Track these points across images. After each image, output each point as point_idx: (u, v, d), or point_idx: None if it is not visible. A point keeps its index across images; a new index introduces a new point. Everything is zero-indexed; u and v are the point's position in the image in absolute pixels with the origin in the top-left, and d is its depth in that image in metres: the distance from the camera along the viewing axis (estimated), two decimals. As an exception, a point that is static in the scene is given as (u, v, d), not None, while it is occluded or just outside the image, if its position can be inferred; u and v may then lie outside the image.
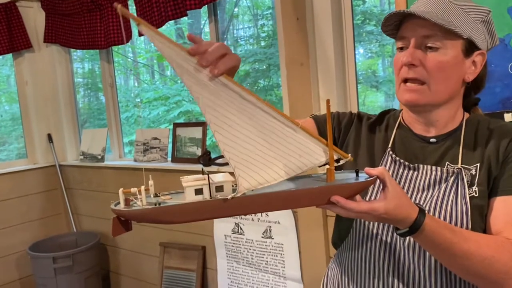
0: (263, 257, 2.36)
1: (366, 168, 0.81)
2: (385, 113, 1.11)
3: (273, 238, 2.31)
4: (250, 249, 2.41)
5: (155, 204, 0.76)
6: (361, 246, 0.99)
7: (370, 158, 1.04)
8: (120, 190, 0.78)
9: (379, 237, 0.96)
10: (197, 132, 2.77)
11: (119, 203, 0.79)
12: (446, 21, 0.89)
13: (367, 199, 0.97)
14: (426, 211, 0.83)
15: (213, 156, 2.60)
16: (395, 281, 0.94)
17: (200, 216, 0.77)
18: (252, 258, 2.40)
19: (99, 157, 3.24)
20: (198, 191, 0.76)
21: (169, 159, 2.86)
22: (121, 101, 3.42)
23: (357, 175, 0.83)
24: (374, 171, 0.80)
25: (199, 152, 2.70)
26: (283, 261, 2.29)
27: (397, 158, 1.00)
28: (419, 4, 0.95)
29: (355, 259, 1.00)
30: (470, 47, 0.93)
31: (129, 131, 4.86)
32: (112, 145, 3.34)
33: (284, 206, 0.79)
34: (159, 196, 0.81)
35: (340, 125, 1.11)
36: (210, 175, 0.78)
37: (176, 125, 2.92)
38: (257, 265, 2.39)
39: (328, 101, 0.80)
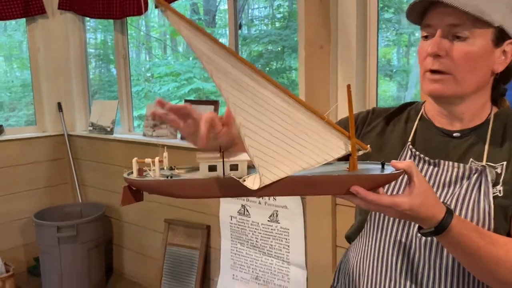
0: (267, 241, 2.35)
1: (393, 161, 0.77)
2: (406, 106, 1.06)
3: (279, 223, 2.29)
4: (255, 232, 2.39)
5: (167, 177, 0.75)
6: (374, 242, 0.95)
7: (387, 152, 0.99)
8: (134, 160, 0.77)
9: (393, 234, 0.92)
10: (208, 110, 2.72)
11: (132, 172, 0.77)
12: (475, 8, 0.83)
13: (390, 193, 0.93)
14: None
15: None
16: (407, 282, 0.90)
17: (209, 193, 0.75)
18: (256, 241, 2.39)
19: (108, 129, 3.21)
20: (212, 168, 0.74)
21: (179, 136, 2.84)
22: (132, 74, 3.38)
23: (382, 167, 0.79)
24: (401, 164, 0.75)
25: (209, 130, 2.66)
26: (288, 246, 2.27)
27: (417, 153, 0.95)
28: None
29: (367, 255, 0.97)
30: (500, 36, 0.87)
31: (138, 105, 4.84)
32: (122, 118, 3.31)
33: (299, 192, 0.76)
34: (174, 169, 0.80)
35: (356, 122, 1.07)
36: (226, 153, 0.76)
37: (187, 102, 2.88)
38: (261, 248, 2.38)
39: (349, 86, 0.76)
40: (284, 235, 2.28)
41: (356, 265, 0.99)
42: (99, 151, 3.26)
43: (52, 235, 2.80)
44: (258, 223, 2.37)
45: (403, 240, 0.91)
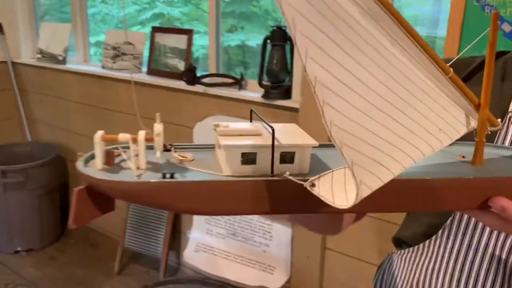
0: (249, 195, 2.09)
1: None
2: (496, 56, 0.73)
3: (263, 175, 2.02)
4: (235, 185, 2.12)
5: (165, 175, 0.39)
6: (455, 255, 0.67)
7: None
8: (98, 136, 0.40)
9: (482, 244, 0.64)
10: (181, 42, 2.33)
11: (93, 157, 0.42)
12: None
13: None
14: None
15: (199, 74, 2.19)
16: None
17: (247, 208, 0.40)
18: (236, 195, 2.12)
19: (60, 58, 2.75)
20: (249, 158, 0.39)
21: (144, 69, 2.43)
22: (87, -7, 2.88)
23: None
24: None
25: (181, 66, 2.28)
26: (272, 201, 2.02)
27: None
28: None
29: (440, 270, 0.69)
30: None
31: (94, 30, 4.30)
32: (76, 45, 2.84)
33: (402, 206, 0.44)
34: (171, 150, 0.44)
35: None
36: (266, 125, 0.41)
37: (156, 30, 2.46)
38: (241, 202, 2.12)
39: (495, 14, 0.43)
40: (268, 189, 2.02)
41: (421, 280, 0.71)
42: (50, 83, 2.81)
43: (-4, 181, 2.42)
44: (238, 175, 2.09)
45: (497, 253, 0.63)
